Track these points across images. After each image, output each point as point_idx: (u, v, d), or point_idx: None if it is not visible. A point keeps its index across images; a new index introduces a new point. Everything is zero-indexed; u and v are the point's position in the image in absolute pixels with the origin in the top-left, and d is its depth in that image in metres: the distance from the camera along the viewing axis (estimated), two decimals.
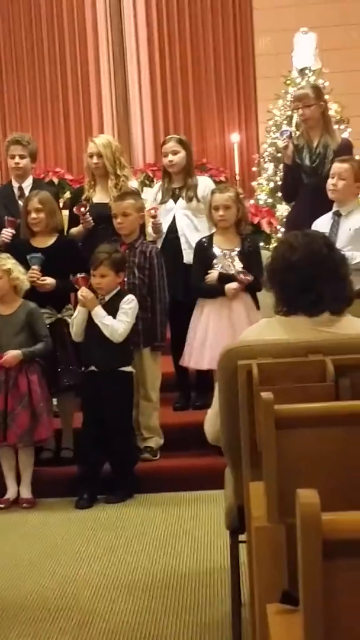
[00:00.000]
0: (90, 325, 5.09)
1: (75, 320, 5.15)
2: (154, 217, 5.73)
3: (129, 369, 5.16)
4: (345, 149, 6.01)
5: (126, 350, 5.15)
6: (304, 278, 2.87)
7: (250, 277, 5.32)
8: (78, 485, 5.12)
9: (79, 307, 5.14)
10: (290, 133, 6.05)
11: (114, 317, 5.07)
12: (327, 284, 2.88)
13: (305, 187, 5.96)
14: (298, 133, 6.55)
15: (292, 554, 1.85)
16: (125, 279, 5.33)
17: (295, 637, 1.39)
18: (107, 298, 5.12)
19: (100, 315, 5.05)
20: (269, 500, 2.00)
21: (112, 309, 5.09)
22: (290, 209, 6.34)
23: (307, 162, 5.95)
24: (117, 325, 5.06)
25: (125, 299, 5.13)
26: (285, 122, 8.35)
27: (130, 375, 5.17)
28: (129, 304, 5.12)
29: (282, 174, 6.48)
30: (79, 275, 5.13)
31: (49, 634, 3.45)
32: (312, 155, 5.94)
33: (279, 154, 5.94)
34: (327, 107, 6.08)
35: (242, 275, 5.33)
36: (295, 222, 5.89)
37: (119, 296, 5.15)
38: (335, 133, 6.13)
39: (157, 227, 5.76)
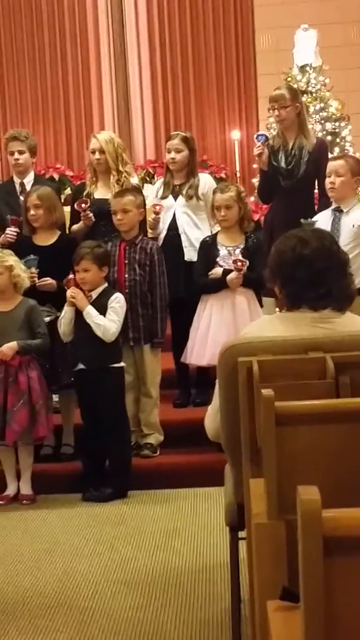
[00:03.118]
0: (78, 324, 5.09)
1: (63, 320, 5.15)
2: (157, 213, 5.73)
3: (119, 364, 5.16)
4: (320, 149, 5.99)
5: (115, 347, 5.15)
6: (315, 272, 2.87)
7: (246, 262, 5.33)
8: (83, 480, 5.13)
9: (66, 307, 5.14)
10: (266, 137, 6.02)
11: (102, 314, 5.07)
12: (336, 279, 2.89)
13: (281, 190, 5.92)
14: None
15: (292, 551, 1.85)
16: (126, 276, 5.34)
17: (296, 633, 1.40)
18: (94, 296, 5.12)
19: (92, 315, 5.05)
20: (269, 497, 2.00)
21: (99, 306, 5.09)
22: (267, 212, 6.32)
23: (283, 164, 5.92)
24: (109, 325, 5.06)
25: (113, 297, 5.13)
26: None
27: (120, 370, 5.17)
28: (119, 302, 5.12)
29: (258, 178, 6.45)
30: (69, 277, 5.13)
31: (48, 629, 3.46)
32: (287, 157, 5.92)
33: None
34: (303, 108, 6.05)
35: (238, 263, 5.34)
36: (271, 224, 5.88)
37: (106, 294, 5.14)
38: (310, 134, 6.10)
39: (155, 224, 5.76)
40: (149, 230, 5.80)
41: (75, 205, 5.65)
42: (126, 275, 5.35)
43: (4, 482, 5.20)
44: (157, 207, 5.75)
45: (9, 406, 5.03)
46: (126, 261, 5.37)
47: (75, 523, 4.76)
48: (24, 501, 5.12)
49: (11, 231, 5.59)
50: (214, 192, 5.60)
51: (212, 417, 3.06)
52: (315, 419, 2.04)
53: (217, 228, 5.66)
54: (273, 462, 2.00)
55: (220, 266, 5.47)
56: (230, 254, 5.47)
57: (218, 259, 5.49)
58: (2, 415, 5.03)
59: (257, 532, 2.02)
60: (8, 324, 5.17)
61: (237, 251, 5.47)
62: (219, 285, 5.44)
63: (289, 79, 8.61)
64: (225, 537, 3.21)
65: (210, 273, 5.49)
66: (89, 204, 5.59)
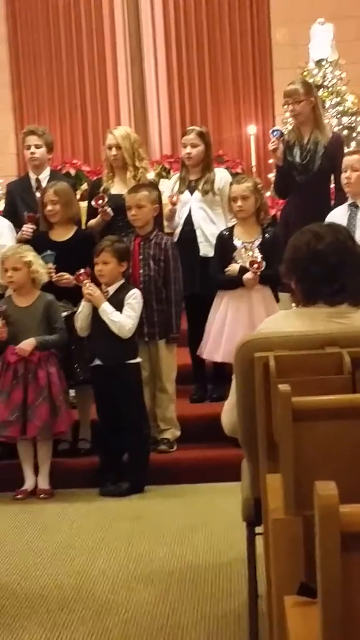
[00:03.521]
0: (95, 319, 5.10)
1: (80, 315, 5.16)
2: (174, 204, 5.73)
3: (135, 360, 5.17)
4: (335, 144, 5.97)
5: (131, 343, 5.16)
6: (329, 267, 2.87)
7: (262, 265, 5.32)
8: (100, 475, 5.15)
9: (83, 302, 5.15)
10: (281, 132, 5.99)
11: (119, 310, 5.07)
12: (351, 275, 2.88)
13: (296, 185, 5.90)
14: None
15: (309, 546, 1.85)
16: (141, 271, 5.34)
17: (313, 628, 1.40)
18: (110, 291, 5.12)
19: (107, 312, 5.06)
20: (286, 493, 2.00)
21: (116, 302, 5.09)
22: (283, 207, 6.30)
23: (298, 159, 5.89)
24: (125, 322, 5.06)
25: (130, 293, 5.13)
26: None
27: (137, 366, 5.18)
28: (135, 298, 5.13)
29: (274, 173, 6.42)
30: (78, 271, 5.13)
31: (66, 624, 3.47)
32: (302, 152, 5.89)
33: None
34: (318, 102, 6.02)
35: (254, 266, 5.33)
36: (287, 219, 5.86)
37: (123, 290, 5.15)
38: (326, 128, 6.06)
39: (171, 215, 5.75)
40: (166, 223, 5.80)
41: (93, 202, 5.66)
42: (141, 271, 5.36)
43: (22, 477, 5.22)
44: (174, 198, 5.75)
45: (29, 402, 5.05)
46: (141, 257, 5.38)
47: (92, 518, 4.77)
48: (42, 495, 5.14)
49: (28, 228, 5.61)
50: (231, 183, 5.61)
51: (228, 412, 3.06)
52: (332, 414, 2.04)
53: (233, 222, 5.65)
54: (290, 457, 2.00)
55: (236, 262, 5.47)
56: (246, 248, 5.46)
57: (234, 254, 5.49)
58: (23, 411, 5.05)
59: (274, 527, 2.02)
60: (27, 320, 5.18)
61: (255, 246, 5.46)
62: (236, 283, 5.43)
63: (305, 73, 8.59)
64: (242, 532, 3.21)
65: (226, 270, 5.48)
66: (105, 200, 5.60)
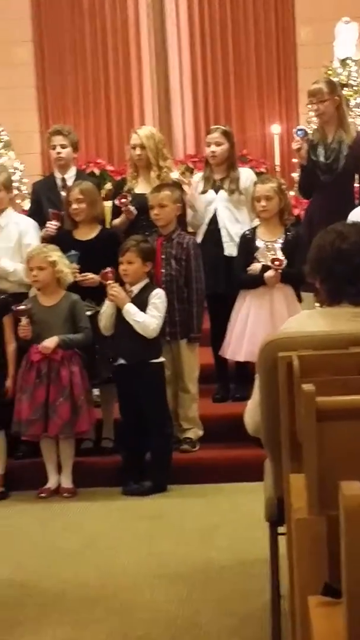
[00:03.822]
0: (119, 318, 5.11)
1: (104, 314, 5.17)
2: (187, 184, 5.70)
3: (159, 360, 5.17)
4: None
5: (155, 343, 5.16)
6: (354, 267, 2.85)
7: (283, 262, 5.31)
8: (123, 473, 5.16)
9: (107, 302, 5.16)
10: (305, 131, 5.96)
11: (142, 310, 5.08)
12: None
13: (321, 185, 5.88)
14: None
15: (332, 546, 1.85)
16: (163, 270, 5.35)
17: (338, 629, 1.40)
18: (135, 291, 5.13)
19: (131, 312, 5.07)
20: (310, 492, 2.00)
21: (140, 302, 5.10)
22: (307, 207, 6.28)
23: (322, 158, 5.86)
24: (149, 321, 5.07)
25: (154, 292, 5.14)
26: None
27: (160, 365, 5.18)
28: (159, 298, 5.13)
29: (298, 172, 6.40)
30: (103, 270, 5.14)
31: (88, 622, 3.48)
32: (327, 151, 5.86)
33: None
34: (342, 101, 5.99)
35: (276, 263, 5.33)
36: (311, 219, 5.84)
37: (147, 289, 5.15)
38: (350, 128, 6.02)
39: (189, 197, 5.73)
40: (188, 216, 5.78)
41: (116, 201, 5.68)
42: (162, 270, 5.37)
43: (45, 475, 5.24)
44: (187, 180, 5.73)
45: (51, 400, 5.07)
46: (163, 256, 5.38)
47: (114, 516, 4.78)
48: (65, 494, 5.16)
49: (52, 225, 5.63)
50: (255, 183, 5.61)
51: (252, 412, 3.06)
52: (356, 414, 2.03)
53: (257, 222, 5.65)
54: (314, 457, 2.00)
55: (259, 261, 5.46)
56: (268, 248, 5.45)
57: (256, 254, 5.48)
58: (45, 409, 5.07)
59: (297, 527, 2.01)
60: (51, 319, 5.20)
61: (277, 245, 5.45)
62: (258, 282, 5.43)
63: (330, 72, 8.55)
64: (264, 532, 3.21)
65: (249, 269, 5.48)
66: (129, 199, 5.60)
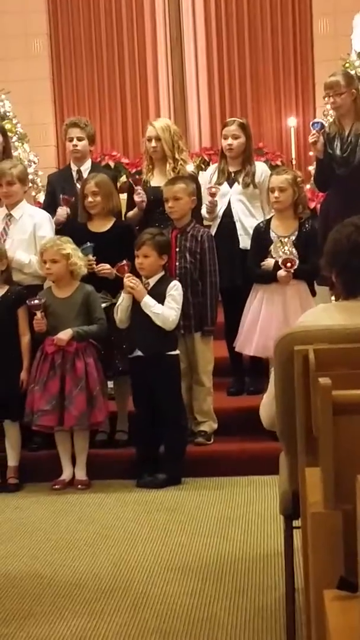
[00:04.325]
0: (135, 311, 5.11)
1: (120, 307, 5.17)
2: (213, 195, 5.70)
3: (174, 352, 5.17)
4: None
5: (172, 335, 5.16)
6: None
7: (295, 263, 5.30)
8: (138, 466, 5.16)
9: (123, 294, 5.16)
10: (322, 124, 5.93)
11: (159, 302, 5.07)
12: None
13: (337, 178, 5.84)
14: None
15: (348, 540, 1.84)
16: (177, 263, 5.34)
17: (354, 622, 1.39)
18: (151, 283, 5.13)
19: (149, 305, 5.06)
20: (326, 486, 1.99)
21: (156, 294, 5.09)
22: (322, 200, 6.25)
23: (338, 151, 5.83)
24: (168, 313, 5.07)
25: (171, 285, 5.13)
26: None
27: (176, 358, 5.18)
28: (177, 290, 5.13)
29: (314, 166, 6.37)
30: (120, 263, 5.14)
31: (103, 613, 3.49)
32: (343, 144, 5.83)
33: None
34: (359, 94, 5.94)
35: (288, 265, 5.31)
36: (327, 213, 5.82)
37: (164, 281, 5.15)
38: None
39: (212, 207, 5.74)
40: (206, 215, 5.78)
41: (130, 179, 5.67)
42: (177, 263, 5.36)
43: (59, 467, 5.26)
44: (213, 190, 5.73)
45: (66, 392, 5.08)
46: (177, 249, 5.38)
47: (129, 508, 4.79)
48: (79, 486, 5.17)
49: (62, 210, 5.64)
50: (270, 174, 5.59)
51: (267, 405, 3.06)
52: None
53: (272, 214, 5.63)
54: (330, 451, 1.99)
55: (272, 256, 5.44)
56: (282, 242, 5.43)
57: (270, 248, 5.46)
58: (60, 401, 5.08)
59: (313, 521, 2.01)
60: (66, 311, 5.21)
61: (290, 241, 5.42)
62: (270, 278, 5.41)
63: (347, 65, 8.50)
64: (279, 525, 3.21)
65: (262, 264, 5.47)
66: (142, 182, 5.60)
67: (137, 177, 5.77)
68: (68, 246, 5.23)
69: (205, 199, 5.76)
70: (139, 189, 5.62)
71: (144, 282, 5.13)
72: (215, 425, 5.49)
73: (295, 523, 3.00)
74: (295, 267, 5.32)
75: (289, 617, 3.08)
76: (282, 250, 5.41)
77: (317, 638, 1.91)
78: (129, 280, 5.10)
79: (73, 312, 5.21)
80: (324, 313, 2.97)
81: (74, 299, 5.24)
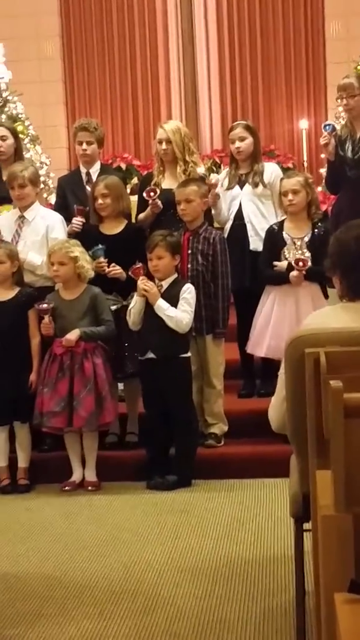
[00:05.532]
0: (148, 313, 5.11)
1: (133, 309, 5.17)
2: (213, 186, 5.63)
3: (186, 355, 5.17)
4: None
5: (184, 337, 5.16)
6: None
7: (308, 263, 5.29)
8: (148, 468, 5.17)
9: (136, 297, 5.16)
10: (333, 126, 5.93)
11: (172, 305, 5.07)
12: None
13: (348, 180, 5.83)
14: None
15: (359, 544, 1.83)
16: (189, 266, 5.34)
17: None
18: (165, 285, 5.13)
19: (163, 307, 5.07)
20: (337, 489, 1.99)
21: (169, 297, 5.10)
22: (334, 202, 6.24)
23: (349, 153, 5.81)
24: (182, 316, 5.07)
25: (184, 287, 5.14)
26: None
27: (188, 360, 5.18)
28: (190, 293, 5.13)
29: (326, 168, 6.36)
30: (134, 266, 5.15)
31: (113, 615, 3.49)
32: (354, 147, 5.82)
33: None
34: None
35: (300, 264, 5.31)
36: (339, 215, 5.80)
37: (177, 284, 5.15)
38: None
39: (214, 200, 5.69)
40: (213, 212, 5.76)
41: (144, 194, 5.66)
42: (189, 265, 5.36)
43: (69, 468, 5.26)
44: (213, 181, 5.69)
45: (75, 392, 5.09)
46: (189, 251, 5.38)
47: (139, 510, 4.79)
48: (89, 487, 5.18)
49: (77, 221, 5.64)
50: (281, 179, 5.59)
51: (276, 408, 3.05)
52: None
53: (284, 217, 5.62)
54: (341, 454, 1.99)
55: (285, 257, 5.44)
56: (295, 244, 5.43)
57: (283, 249, 5.46)
58: (69, 402, 5.09)
59: (323, 524, 2.00)
60: (73, 312, 5.22)
61: (304, 243, 5.42)
62: (282, 279, 5.41)
63: (359, 67, 8.50)
64: (289, 528, 3.20)
65: (275, 265, 5.47)
66: (158, 193, 5.59)
67: (153, 187, 5.70)
68: (76, 249, 5.23)
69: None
70: (157, 201, 5.57)
71: (157, 285, 5.13)
72: (226, 428, 5.48)
73: (306, 526, 2.99)
74: (308, 266, 5.31)
75: (299, 620, 3.07)
76: (296, 251, 5.41)
77: None
78: (143, 282, 5.10)
79: (80, 314, 5.22)
80: (331, 315, 2.97)
81: (81, 301, 5.25)
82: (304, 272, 5.32)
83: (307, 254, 5.38)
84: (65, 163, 10.08)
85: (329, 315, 2.96)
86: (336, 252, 2.97)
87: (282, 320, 5.38)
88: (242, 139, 5.81)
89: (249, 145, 5.83)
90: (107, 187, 5.45)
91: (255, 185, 5.79)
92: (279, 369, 3.01)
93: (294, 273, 5.35)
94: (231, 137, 5.89)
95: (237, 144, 5.81)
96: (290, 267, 5.38)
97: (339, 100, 6.03)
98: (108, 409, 5.16)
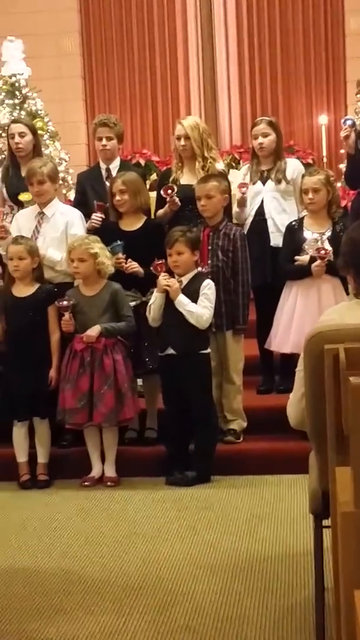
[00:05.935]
0: (168, 309, 5.11)
1: (153, 305, 5.17)
2: (243, 186, 5.69)
3: (206, 351, 5.17)
4: None
5: (204, 333, 5.16)
6: None
7: (329, 251, 5.28)
8: (167, 464, 5.17)
9: (156, 293, 5.16)
10: (353, 121, 5.91)
11: (192, 300, 5.07)
12: None
13: None
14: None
15: None
16: (209, 261, 5.34)
17: None
18: (185, 281, 5.13)
19: (184, 303, 5.07)
20: (356, 486, 1.98)
21: (190, 292, 5.09)
22: (354, 198, 6.22)
23: None
24: (202, 312, 5.07)
25: (205, 283, 5.13)
26: None
27: (207, 357, 5.18)
28: (210, 289, 5.13)
29: (345, 163, 6.34)
30: (155, 262, 5.15)
31: (131, 611, 3.50)
32: None
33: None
34: None
35: (322, 252, 5.30)
36: (358, 211, 5.78)
37: (197, 280, 5.15)
38: None
39: (243, 201, 5.72)
40: (237, 209, 5.77)
41: (162, 192, 5.66)
42: (209, 262, 5.36)
43: (89, 464, 5.28)
44: (244, 188, 5.73)
45: (95, 389, 5.10)
46: (209, 247, 5.38)
47: (158, 506, 4.80)
48: (109, 483, 5.19)
49: (97, 217, 5.65)
50: (303, 175, 5.58)
51: (294, 404, 3.05)
52: None
53: (304, 213, 5.61)
54: None
55: (307, 252, 5.43)
56: (316, 240, 5.42)
57: (304, 245, 5.45)
58: (89, 398, 5.10)
59: (343, 520, 2.00)
60: (93, 308, 5.23)
61: (324, 237, 5.42)
62: (303, 273, 5.40)
63: None
64: (309, 524, 3.20)
65: (296, 259, 5.46)
66: (175, 190, 5.59)
67: (170, 184, 5.69)
68: (96, 245, 5.24)
69: (237, 194, 5.76)
70: (175, 198, 5.56)
71: (177, 281, 5.13)
72: (245, 424, 5.48)
73: (325, 522, 2.98)
74: (329, 255, 5.28)
75: (318, 617, 3.07)
76: (317, 247, 5.39)
77: (347, 638, 1.90)
78: (164, 278, 5.10)
79: (100, 310, 5.22)
80: (348, 311, 2.97)
81: (102, 297, 5.26)
82: (326, 261, 5.30)
83: (329, 248, 5.37)
84: (85, 159, 10.11)
85: (345, 311, 2.96)
86: (349, 251, 2.97)
87: (305, 315, 5.37)
88: (265, 135, 5.81)
89: (272, 141, 5.81)
90: (125, 183, 5.45)
91: (278, 181, 5.78)
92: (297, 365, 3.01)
93: (316, 263, 5.33)
94: (254, 133, 5.88)
95: (260, 139, 5.80)
96: (312, 260, 5.37)
97: (358, 96, 6.01)
98: (128, 405, 5.17)
